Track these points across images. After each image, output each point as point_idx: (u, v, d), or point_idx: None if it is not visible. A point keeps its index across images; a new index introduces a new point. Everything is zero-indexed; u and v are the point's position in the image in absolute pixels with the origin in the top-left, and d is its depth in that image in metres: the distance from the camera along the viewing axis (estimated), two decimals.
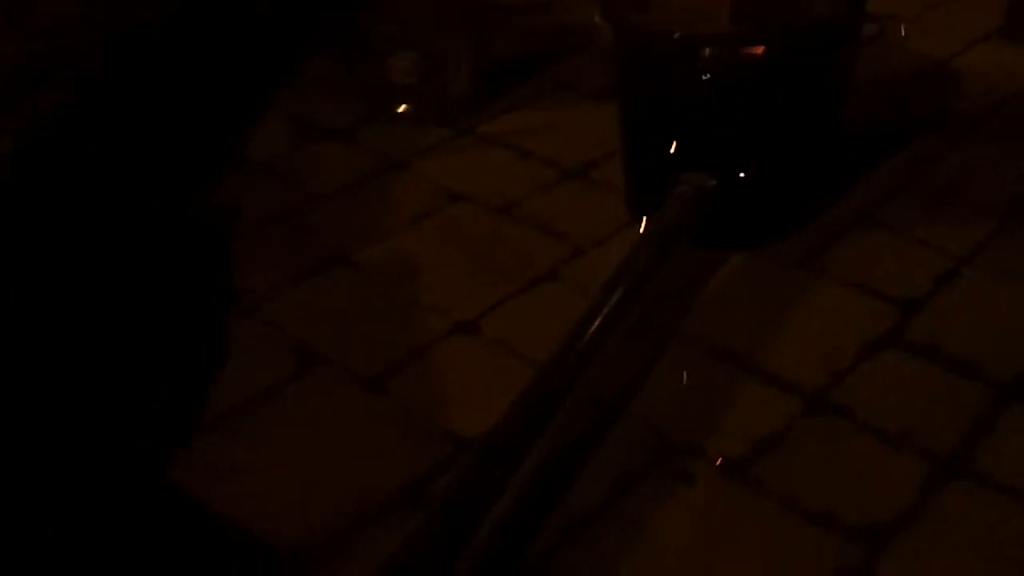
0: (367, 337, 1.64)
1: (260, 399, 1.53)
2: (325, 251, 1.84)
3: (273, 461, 1.45)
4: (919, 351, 1.58)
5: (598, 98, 2.16)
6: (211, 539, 1.35)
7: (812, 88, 1.75)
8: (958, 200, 1.92)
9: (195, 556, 1.33)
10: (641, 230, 1.72)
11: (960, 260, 1.76)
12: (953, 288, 1.71)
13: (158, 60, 2.19)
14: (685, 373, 1.55)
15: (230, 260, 1.85)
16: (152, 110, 2.15)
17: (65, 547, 1.32)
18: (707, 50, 1.68)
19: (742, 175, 1.74)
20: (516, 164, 2.06)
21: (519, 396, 1.37)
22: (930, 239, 1.81)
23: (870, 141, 2.05)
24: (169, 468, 1.43)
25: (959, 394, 1.51)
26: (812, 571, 1.28)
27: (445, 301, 1.71)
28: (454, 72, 2.20)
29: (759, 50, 1.67)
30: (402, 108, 2.20)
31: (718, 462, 1.40)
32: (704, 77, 1.68)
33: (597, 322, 1.47)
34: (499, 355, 1.61)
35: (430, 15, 2.16)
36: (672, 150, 1.73)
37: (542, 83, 2.33)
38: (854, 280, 1.72)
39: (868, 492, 1.37)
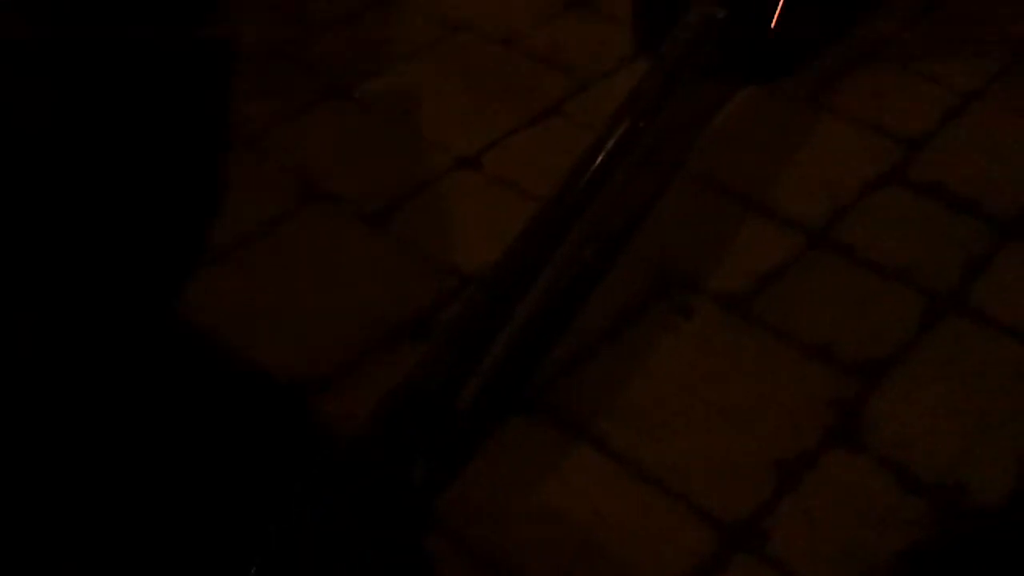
0: (368, 172, 1.63)
1: (262, 232, 1.54)
2: (325, 84, 1.81)
3: (277, 295, 1.46)
4: (922, 188, 1.58)
5: None
6: (215, 372, 1.38)
7: None
8: (969, 35, 1.88)
9: (199, 389, 1.36)
10: (648, 63, 1.69)
11: (967, 96, 1.74)
12: (959, 124, 1.69)
13: None
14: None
15: (228, 92, 1.82)
16: None
17: (70, 383, 1.35)
18: None
19: (752, 3, 1.70)
20: None
21: (524, 229, 1.38)
22: (938, 74, 1.78)
23: None
24: (173, 302, 1.45)
25: (959, 231, 1.52)
26: (806, 403, 1.32)
27: (447, 136, 1.69)
28: None
29: None
30: None
31: None
32: None
33: (601, 156, 1.46)
34: (502, 191, 1.60)
35: None
36: None
37: None
38: (860, 116, 1.70)
39: (865, 327, 1.40)
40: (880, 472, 1.24)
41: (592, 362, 1.36)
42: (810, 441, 1.27)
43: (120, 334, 1.40)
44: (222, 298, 1.46)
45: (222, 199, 1.61)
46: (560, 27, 1.91)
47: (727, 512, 1.21)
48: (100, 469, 1.26)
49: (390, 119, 1.75)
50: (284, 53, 1.89)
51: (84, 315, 1.43)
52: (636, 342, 1.39)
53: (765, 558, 1.17)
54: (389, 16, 1.97)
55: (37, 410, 1.30)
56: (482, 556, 1.17)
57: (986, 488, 1.22)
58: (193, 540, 1.20)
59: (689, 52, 1.64)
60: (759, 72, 1.77)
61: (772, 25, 1.72)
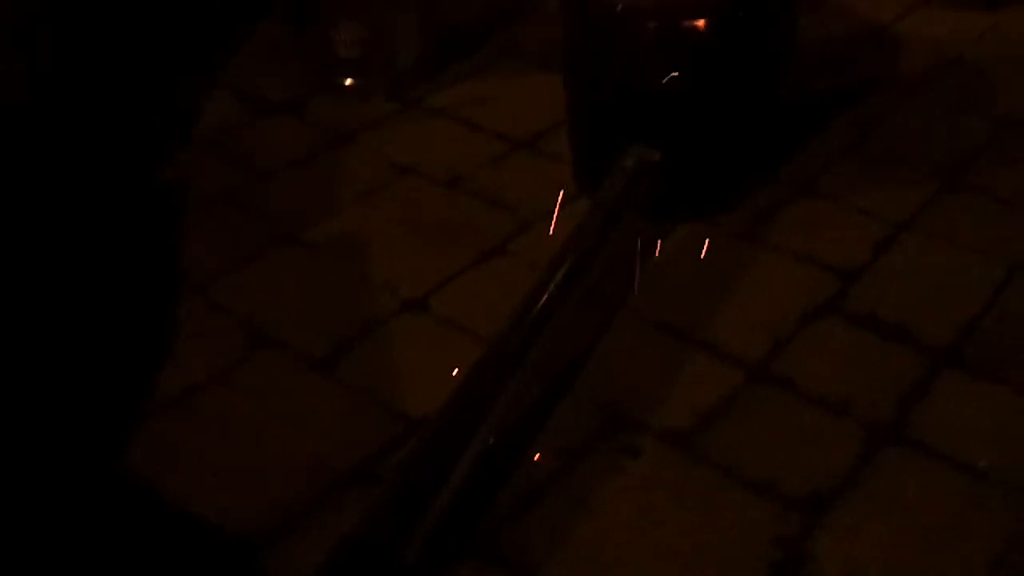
0: (317, 317, 1.66)
1: (210, 381, 1.55)
2: (274, 229, 1.84)
3: (224, 444, 1.46)
4: (857, 319, 1.63)
5: (545, 67, 2.15)
6: (163, 526, 1.37)
7: (753, 58, 1.77)
8: (898, 165, 1.96)
9: (144, 543, 1.34)
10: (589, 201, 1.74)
11: (898, 226, 1.80)
12: (891, 255, 1.75)
13: (100, 32, 2.17)
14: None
15: (178, 239, 1.85)
16: (96, 85, 2.13)
17: (17, 536, 1.33)
18: (650, 22, 1.69)
19: (686, 146, 1.76)
20: (465, 136, 2.07)
21: (468, 373, 1.40)
22: (870, 205, 1.85)
23: (813, 106, 2.08)
24: (119, 452, 1.45)
25: (895, 361, 1.56)
26: (752, 540, 1.33)
27: (394, 278, 1.72)
28: (401, 43, 2.20)
29: (701, 22, 1.68)
30: (349, 81, 2.20)
31: None
32: (647, 49, 1.70)
33: (544, 298, 1.49)
34: (448, 332, 1.63)
35: None
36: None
37: (489, 52, 2.33)
38: (795, 249, 1.76)
39: (808, 461, 1.42)
40: None
41: (540, 505, 1.37)
42: None
43: (65, 486, 1.39)
44: (169, 448, 1.45)
45: (171, 347, 1.62)
46: (504, 168, 1.97)
47: None
48: None
49: (338, 263, 1.78)
50: (235, 198, 1.93)
51: (28, 467, 1.42)
52: (583, 483, 1.40)
53: None
54: (338, 161, 2.02)
55: None
56: None
57: None
58: None
59: (627, 192, 1.69)
60: (696, 209, 1.82)
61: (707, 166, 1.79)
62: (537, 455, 1.41)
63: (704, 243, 1.76)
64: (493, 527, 1.35)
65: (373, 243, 1.81)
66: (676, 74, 1.65)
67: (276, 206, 1.91)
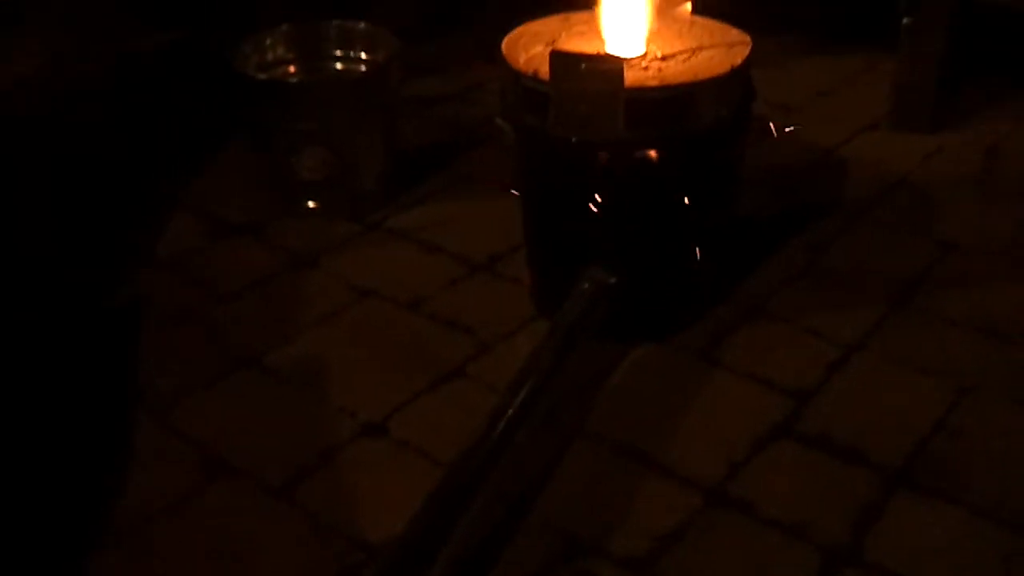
0: (275, 443, 1.65)
1: (165, 512, 1.53)
2: (233, 352, 1.85)
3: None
4: (811, 440, 1.65)
5: (504, 190, 2.21)
6: None
7: (704, 186, 1.83)
8: (848, 287, 2.01)
9: None
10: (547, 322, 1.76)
11: (849, 347, 1.84)
12: (843, 376, 1.78)
13: (61, 151, 2.20)
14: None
15: (136, 362, 1.84)
16: (56, 203, 2.15)
17: None
18: (603, 154, 1.74)
19: (641, 271, 1.80)
20: (425, 259, 2.10)
21: (426, 500, 1.40)
22: (821, 327, 1.89)
23: (763, 230, 2.14)
24: None
25: (849, 482, 1.57)
26: None
27: (353, 402, 1.73)
28: (363, 167, 2.24)
29: (652, 153, 1.74)
30: (311, 204, 2.23)
31: None
32: (600, 178, 1.75)
33: (503, 422, 1.50)
34: (407, 457, 1.63)
35: (341, 111, 2.20)
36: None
37: (449, 175, 2.39)
38: (748, 371, 1.79)
39: None
40: None
41: None
42: None
43: None
44: None
45: (126, 476, 1.60)
46: (464, 290, 2.00)
47: None
48: None
49: (297, 387, 1.78)
50: (194, 320, 1.94)
51: None
52: None
53: None
54: (299, 283, 2.04)
55: None
56: None
57: None
58: None
59: (584, 316, 1.72)
60: (651, 331, 1.86)
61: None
62: None
63: (659, 365, 1.78)
64: None
65: (333, 366, 1.82)
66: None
67: (236, 328, 1.92)
